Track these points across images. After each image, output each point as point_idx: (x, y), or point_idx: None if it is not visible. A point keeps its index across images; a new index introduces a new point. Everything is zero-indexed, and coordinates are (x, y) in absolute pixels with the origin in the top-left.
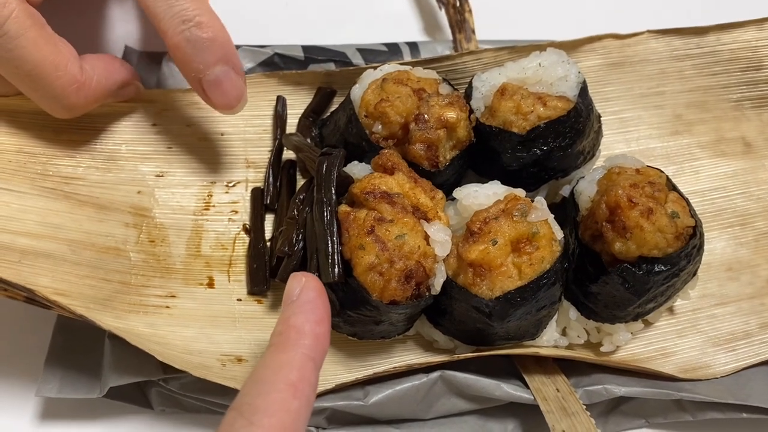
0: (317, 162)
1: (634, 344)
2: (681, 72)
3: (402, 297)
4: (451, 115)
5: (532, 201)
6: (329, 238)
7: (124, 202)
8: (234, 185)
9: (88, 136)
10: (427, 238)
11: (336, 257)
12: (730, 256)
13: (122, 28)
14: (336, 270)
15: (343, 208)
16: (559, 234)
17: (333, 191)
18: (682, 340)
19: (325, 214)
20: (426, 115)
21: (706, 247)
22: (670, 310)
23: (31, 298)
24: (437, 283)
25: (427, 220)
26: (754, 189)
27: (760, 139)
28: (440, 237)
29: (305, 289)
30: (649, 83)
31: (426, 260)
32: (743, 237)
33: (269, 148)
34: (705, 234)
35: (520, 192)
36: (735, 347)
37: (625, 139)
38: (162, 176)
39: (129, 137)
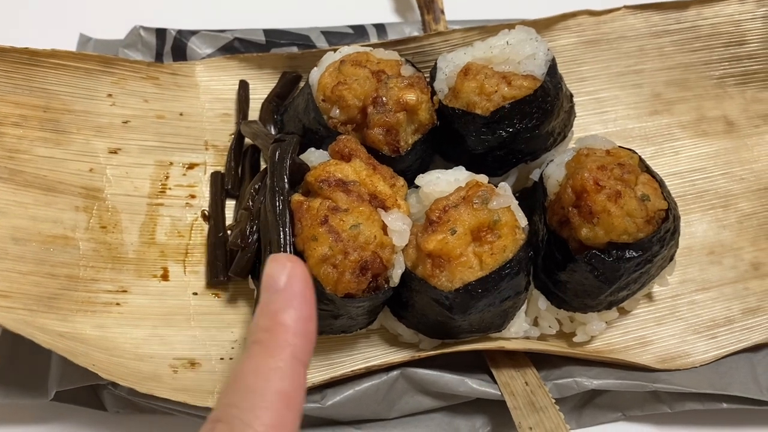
0: (270, 149)
1: (611, 333)
2: (660, 49)
3: (357, 290)
4: (411, 97)
5: (497, 186)
6: (281, 228)
7: (75, 181)
8: (192, 168)
9: (37, 99)
10: (384, 227)
11: (288, 249)
12: (712, 239)
13: (76, 15)
14: None
15: (297, 197)
16: (523, 221)
17: (286, 179)
18: (660, 328)
19: (277, 203)
20: (384, 98)
21: (686, 230)
22: (649, 296)
23: None
24: (395, 275)
25: (385, 208)
26: (736, 169)
27: (742, 118)
28: (398, 226)
29: (294, 279)
30: (626, 61)
31: (383, 251)
32: (726, 219)
33: (230, 132)
34: (685, 217)
35: (483, 178)
36: (716, 334)
37: (601, 120)
38: (116, 153)
39: (82, 107)
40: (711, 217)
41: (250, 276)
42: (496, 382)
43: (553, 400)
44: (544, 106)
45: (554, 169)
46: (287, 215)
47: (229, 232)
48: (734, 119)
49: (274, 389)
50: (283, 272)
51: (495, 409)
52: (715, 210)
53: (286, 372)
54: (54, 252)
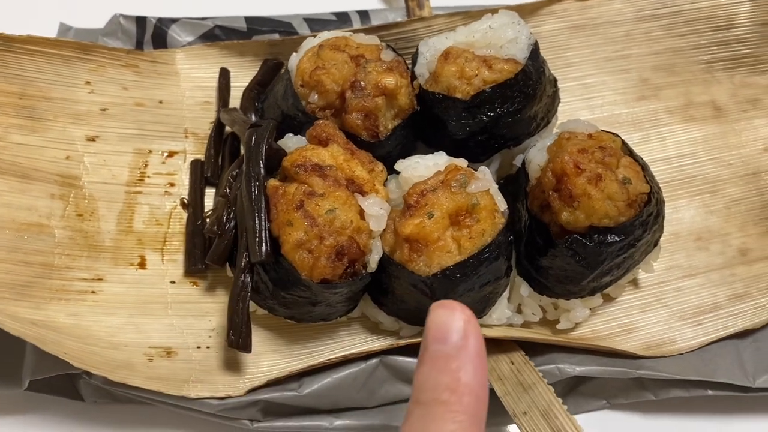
0: (246, 135)
1: (595, 320)
2: (647, 34)
3: (333, 275)
4: (390, 81)
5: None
6: (257, 214)
7: (51, 169)
8: (171, 156)
9: (12, 85)
10: (361, 212)
11: (264, 234)
12: (699, 225)
13: (57, 4)
14: (264, 248)
15: (273, 182)
16: (503, 205)
17: (261, 165)
18: (646, 315)
19: (253, 189)
20: (363, 82)
21: (673, 216)
22: (635, 283)
23: None
24: (373, 260)
25: (363, 193)
26: (724, 154)
27: (731, 103)
28: (375, 211)
29: (471, 335)
30: (613, 46)
31: (360, 236)
32: (713, 205)
33: (211, 120)
34: (672, 202)
35: (462, 162)
36: (702, 321)
37: (588, 106)
38: (94, 141)
39: (59, 95)
40: (698, 203)
41: (227, 264)
42: None
43: (541, 375)
44: (525, 90)
45: (536, 153)
46: (263, 201)
47: (208, 220)
48: (722, 104)
49: None
50: (455, 323)
51: None
52: (703, 196)
53: None
54: (28, 240)
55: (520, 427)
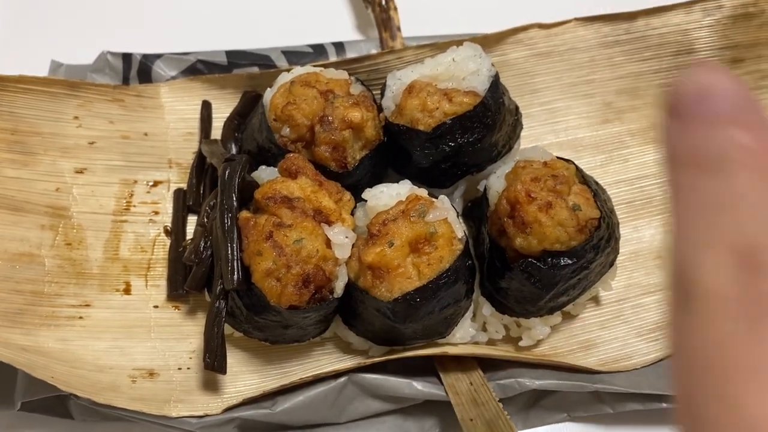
0: (220, 168)
1: (556, 337)
2: (611, 59)
3: (300, 301)
4: (356, 115)
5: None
6: (229, 244)
7: (41, 201)
8: (156, 185)
9: (4, 122)
10: (328, 241)
11: (235, 264)
12: (659, 244)
13: (48, 41)
14: (235, 277)
15: (244, 214)
16: (460, 232)
17: (234, 197)
18: (604, 331)
19: (226, 220)
20: (330, 117)
21: (634, 235)
22: (596, 300)
23: None
24: (338, 287)
25: (329, 223)
26: None
27: None
28: (340, 240)
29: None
30: (578, 72)
31: (326, 263)
32: None
33: (193, 151)
34: (633, 222)
35: (422, 191)
36: (658, 337)
37: (553, 130)
38: (82, 173)
39: (49, 130)
40: (659, 222)
41: (205, 289)
42: (443, 384)
43: (494, 394)
44: (485, 121)
45: (495, 180)
46: (235, 232)
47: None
48: None
49: None
50: (726, 83)
51: (444, 411)
52: (663, 215)
53: None
54: (19, 269)
55: (465, 430)
